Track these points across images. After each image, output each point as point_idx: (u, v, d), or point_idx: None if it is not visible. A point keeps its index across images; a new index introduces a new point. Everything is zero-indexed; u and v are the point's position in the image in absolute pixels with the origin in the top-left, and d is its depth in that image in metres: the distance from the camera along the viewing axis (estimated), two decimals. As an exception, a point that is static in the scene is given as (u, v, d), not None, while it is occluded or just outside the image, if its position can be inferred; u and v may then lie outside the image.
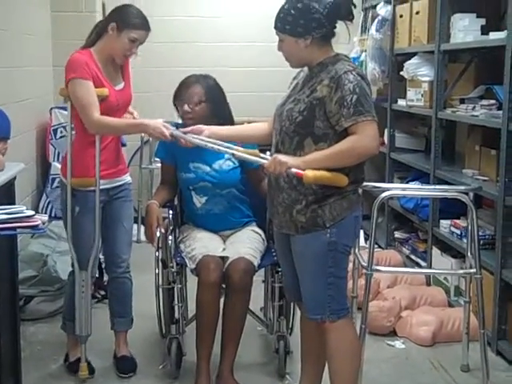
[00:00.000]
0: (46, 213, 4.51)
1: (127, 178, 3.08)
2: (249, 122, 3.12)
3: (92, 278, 3.05)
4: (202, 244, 2.98)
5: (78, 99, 2.77)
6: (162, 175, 3.22)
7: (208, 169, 3.06)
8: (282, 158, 2.30)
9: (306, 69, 2.44)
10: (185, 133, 2.65)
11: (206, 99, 3.01)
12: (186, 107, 3.00)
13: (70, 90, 2.79)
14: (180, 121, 3.15)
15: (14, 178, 2.74)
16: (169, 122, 2.85)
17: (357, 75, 2.27)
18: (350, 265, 3.20)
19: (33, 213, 2.23)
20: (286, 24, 2.32)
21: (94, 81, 2.79)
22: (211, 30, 5.52)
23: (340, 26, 2.37)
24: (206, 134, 2.59)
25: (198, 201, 3.09)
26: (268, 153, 2.56)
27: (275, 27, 2.37)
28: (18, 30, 4.13)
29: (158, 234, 2.94)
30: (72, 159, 2.85)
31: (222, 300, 2.95)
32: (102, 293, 3.75)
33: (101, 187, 2.88)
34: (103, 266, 3.41)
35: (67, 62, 2.81)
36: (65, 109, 2.88)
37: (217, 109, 3.04)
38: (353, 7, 2.35)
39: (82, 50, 2.88)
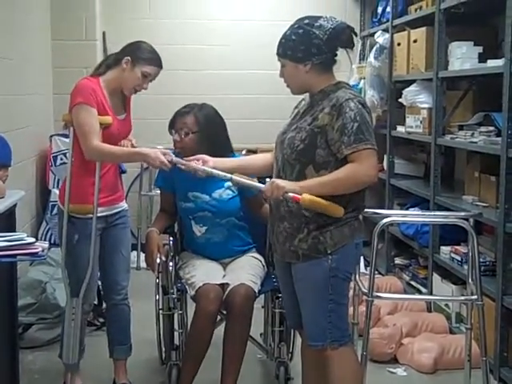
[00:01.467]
0: (45, 239, 4.51)
1: (124, 205, 3.08)
2: (249, 150, 3.14)
3: (90, 305, 3.04)
4: (202, 271, 2.97)
5: (80, 125, 2.78)
6: (161, 203, 3.23)
7: (208, 198, 3.06)
8: (280, 182, 2.31)
9: (307, 97, 2.46)
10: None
11: (197, 130, 3.01)
12: (176, 136, 3.03)
13: (74, 114, 2.79)
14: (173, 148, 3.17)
15: (15, 205, 2.75)
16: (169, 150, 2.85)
17: (358, 103, 2.29)
18: (351, 291, 3.20)
19: (33, 240, 2.23)
20: (286, 49, 2.35)
21: (99, 108, 2.81)
22: (214, 57, 5.56)
23: (341, 54, 2.39)
24: (210, 166, 2.58)
25: (198, 230, 3.09)
26: (268, 180, 2.56)
27: (277, 53, 2.40)
28: (18, 58, 4.16)
29: (158, 260, 2.93)
30: (70, 186, 2.84)
31: (220, 327, 2.94)
32: (101, 320, 3.73)
33: (99, 214, 2.87)
34: (102, 293, 3.39)
35: (75, 87, 2.83)
36: (65, 136, 2.90)
37: (210, 139, 3.01)
38: (353, 35, 2.37)
39: (91, 77, 2.91)
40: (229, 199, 3.08)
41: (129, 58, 2.86)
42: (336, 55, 2.39)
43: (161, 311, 3.03)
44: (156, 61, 2.91)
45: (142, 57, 2.87)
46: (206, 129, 3.03)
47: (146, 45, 2.95)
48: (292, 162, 2.36)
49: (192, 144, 2.99)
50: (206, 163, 2.59)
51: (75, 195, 2.85)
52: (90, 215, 2.85)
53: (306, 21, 2.34)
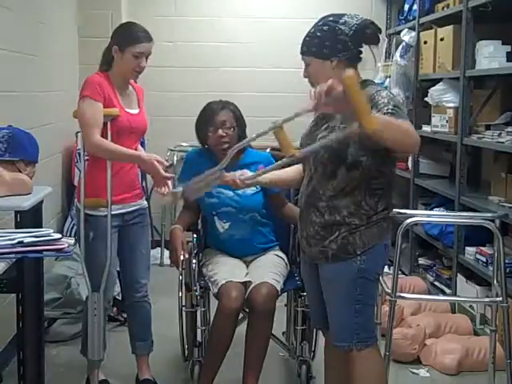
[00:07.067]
0: (70, 235, 4.55)
1: (143, 203, 3.09)
2: (273, 148, 3.14)
3: (109, 302, 3.06)
4: (225, 269, 2.98)
5: (83, 117, 2.83)
6: (184, 200, 3.24)
7: (231, 194, 3.07)
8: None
9: None
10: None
11: (236, 125, 3.07)
12: (220, 132, 3.03)
13: (79, 107, 2.85)
14: (199, 145, 3.19)
15: (42, 201, 2.77)
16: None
17: (389, 92, 2.27)
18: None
19: (60, 236, 2.25)
20: (312, 46, 2.34)
21: (106, 102, 2.84)
22: (239, 55, 5.56)
23: (366, 53, 2.37)
24: (252, 179, 2.53)
25: (221, 226, 3.10)
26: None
27: (301, 52, 2.38)
28: (45, 56, 4.21)
29: (182, 257, 2.95)
30: (85, 180, 2.90)
31: (243, 325, 2.95)
32: (125, 316, 3.75)
33: (114, 212, 2.90)
34: (122, 290, 3.42)
35: (83, 83, 2.88)
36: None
37: (242, 134, 3.08)
38: (378, 31, 2.35)
39: (101, 72, 2.94)
40: (252, 194, 3.08)
41: (116, 46, 2.87)
42: (361, 52, 2.37)
43: (184, 308, 3.05)
44: (142, 37, 2.87)
45: (126, 40, 2.86)
46: (241, 123, 3.10)
47: (129, 24, 2.96)
48: (325, 161, 2.31)
49: (235, 138, 3.04)
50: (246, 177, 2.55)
51: (89, 190, 2.90)
52: (104, 212, 2.87)
53: (331, 18, 2.34)
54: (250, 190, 3.07)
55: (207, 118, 3.08)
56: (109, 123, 2.85)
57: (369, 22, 2.34)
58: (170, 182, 2.92)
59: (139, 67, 2.88)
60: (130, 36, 2.86)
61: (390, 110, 2.17)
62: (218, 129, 3.04)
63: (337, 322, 2.41)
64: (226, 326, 2.82)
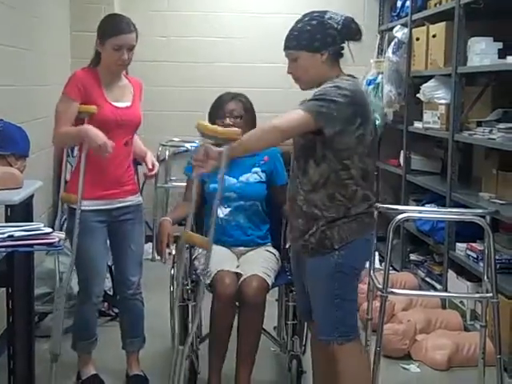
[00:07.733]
0: (61, 229, 4.52)
1: (136, 199, 3.05)
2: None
3: (98, 297, 3.04)
4: (216, 260, 2.97)
5: (56, 112, 2.85)
6: (185, 191, 3.23)
7: (234, 180, 3.10)
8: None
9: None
10: None
11: (245, 114, 3.12)
12: (227, 120, 3.08)
13: (57, 102, 2.86)
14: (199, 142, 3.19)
15: (32, 195, 2.77)
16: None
17: (334, 86, 2.25)
18: (365, 287, 3.20)
19: (50, 230, 2.25)
20: (301, 40, 2.34)
21: (86, 98, 2.81)
22: (232, 50, 5.55)
23: (345, 50, 2.40)
24: None
25: (222, 211, 3.10)
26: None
27: (287, 47, 2.39)
28: (38, 50, 4.19)
29: (168, 251, 2.94)
30: (70, 176, 2.98)
31: (234, 320, 2.95)
32: (116, 311, 3.75)
33: (100, 207, 2.90)
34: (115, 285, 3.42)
35: (69, 77, 2.90)
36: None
37: (252, 124, 3.10)
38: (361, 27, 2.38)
39: (88, 67, 2.92)
40: (255, 183, 3.12)
41: (98, 40, 2.86)
42: (343, 48, 2.39)
43: (175, 303, 3.04)
44: (121, 29, 2.79)
45: (105, 33, 2.83)
46: (250, 114, 3.15)
47: (111, 17, 2.95)
48: (298, 157, 2.38)
49: (241, 127, 3.03)
50: None
51: (69, 185, 2.97)
52: (85, 207, 2.86)
53: (316, 14, 2.37)
54: (254, 179, 3.11)
55: (217, 109, 3.13)
56: (86, 120, 2.82)
57: (351, 19, 2.38)
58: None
59: (121, 60, 2.81)
60: (109, 28, 2.82)
61: (303, 105, 2.24)
62: (226, 117, 3.08)
63: (319, 316, 2.43)
64: (225, 312, 2.83)
